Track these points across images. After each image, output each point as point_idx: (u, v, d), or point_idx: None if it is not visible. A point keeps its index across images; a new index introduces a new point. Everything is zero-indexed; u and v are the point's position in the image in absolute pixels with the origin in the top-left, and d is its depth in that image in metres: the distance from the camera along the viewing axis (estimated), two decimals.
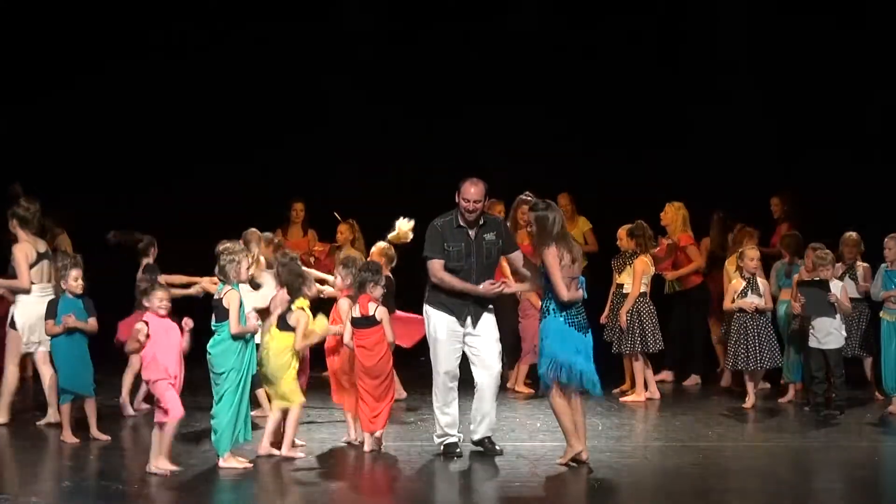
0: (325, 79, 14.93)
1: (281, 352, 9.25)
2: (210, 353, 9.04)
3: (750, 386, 11.56)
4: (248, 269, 9.27)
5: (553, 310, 8.85)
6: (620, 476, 8.88)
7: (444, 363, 9.30)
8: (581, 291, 8.91)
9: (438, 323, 9.30)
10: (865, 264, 11.81)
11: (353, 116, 14.88)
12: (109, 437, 9.90)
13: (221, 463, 8.86)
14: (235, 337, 8.87)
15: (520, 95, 14.78)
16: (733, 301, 11.63)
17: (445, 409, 9.34)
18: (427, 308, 9.39)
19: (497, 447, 9.38)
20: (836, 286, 11.29)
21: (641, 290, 11.92)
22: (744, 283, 11.62)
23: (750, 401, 11.51)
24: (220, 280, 9.26)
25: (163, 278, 10.77)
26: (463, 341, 9.32)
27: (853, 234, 11.88)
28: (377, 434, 9.45)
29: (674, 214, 12.69)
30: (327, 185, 14.25)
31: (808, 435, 10.48)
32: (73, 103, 14.80)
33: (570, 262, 8.83)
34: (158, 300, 8.80)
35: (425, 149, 14.74)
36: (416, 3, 14.91)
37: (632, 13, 14.67)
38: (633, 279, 11.91)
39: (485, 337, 9.32)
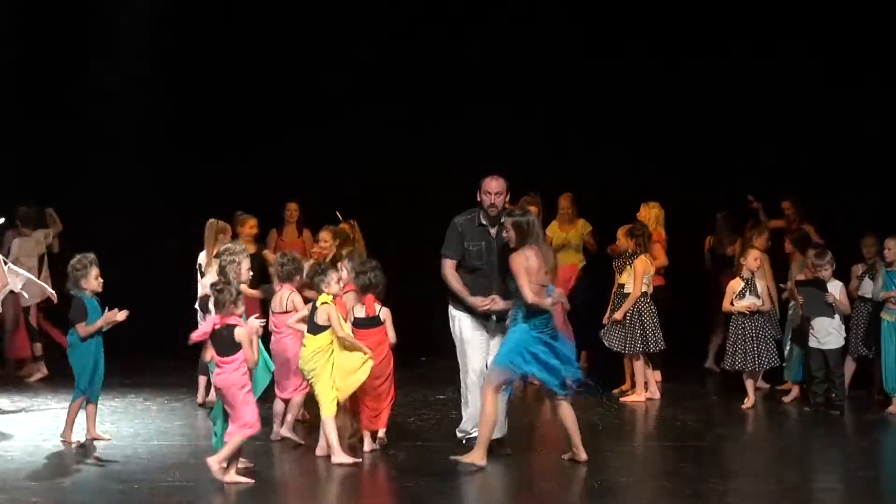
0: (326, 79, 14.93)
1: (315, 354, 9.19)
2: None
3: (749, 385, 11.57)
4: (248, 269, 9.26)
5: (521, 318, 8.82)
6: (620, 476, 8.88)
7: (472, 361, 9.29)
8: (549, 300, 8.83)
9: (463, 322, 9.30)
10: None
11: (353, 116, 14.88)
12: (110, 437, 9.90)
13: None
14: None
15: (520, 95, 14.78)
16: (732, 303, 11.64)
17: (471, 408, 9.33)
18: (451, 309, 9.38)
19: (506, 449, 9.36)
20: (834, 286, 11.29)
21: (642, 290, 11.92)
22: (742, 284, 11.63)
23: (749, 401, 11.51)
24: (221, 281, 9.26)
25: None
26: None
27: (873, 236, 11.87)
28: (380, 434, 9.46)
29: (647, 213, 12.76)
30: (327, 186, 14.24)
31: (808, 435, 10.49)
32: (75, 101, 14.81)
33: (540, 267, 8.79)
34: (242, 304, 8.70)
35: (425, 149, 14.73)
36: (415, 3, 14.90)
37: (631, 12, 14.67)
38: (634, 279, 11.91)
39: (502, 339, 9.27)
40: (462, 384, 9.41)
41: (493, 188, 9.20)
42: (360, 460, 9.13)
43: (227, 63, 14.84)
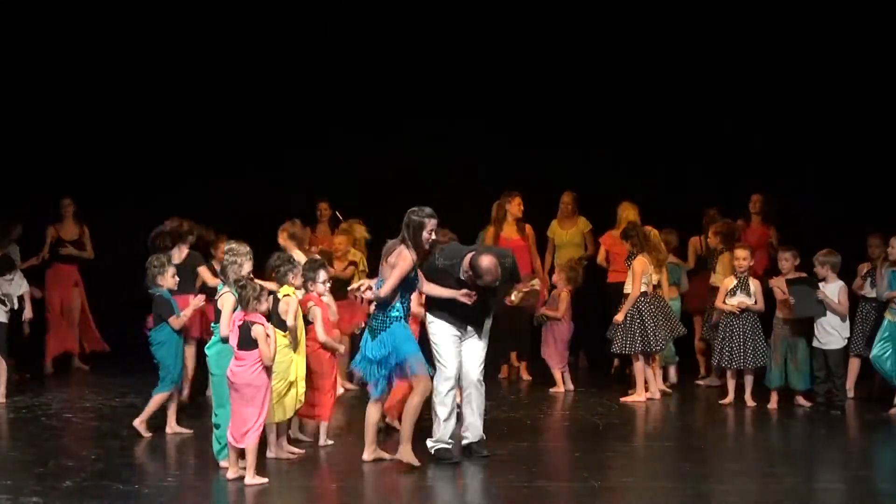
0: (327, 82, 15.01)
1: (280, 351, 9.08)
2: (207, 354, 9.10)
3: (730, 383, 11.60)
4: (249, 271, 9.25)
5: (399, 317, 8.90)
6: (620, 476, 8.89)
7: (445, 368, 9.21)
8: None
9: (439, 330, 9.23)
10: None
11: (357, 116, 14.93)
12: (192, 431, 10.10)
13: (223, 463, 8.86)
14: (225, 339, 8.85)
15: (521, 95, 14.80)
16: (724, 301, 11.66)
17: (445, 416, 9.27)
18: (428, 315, 9.33)
19: (484, 452, 9.31)
20: (836, 286, 11.28)
21: (642, 290, 11.92)
22: (735, 282, 11.62)
23: (728, 398, 11.58)
24: (221, 280, 9.27)
25: None
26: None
27: (879, 234, 11.86)
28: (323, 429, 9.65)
29: (624, 214, 12.89)
30: (336, 187, 14.30)
31: (809, 435, 10.49)
32: (125, 101, 14.88)
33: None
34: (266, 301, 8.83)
35: (426, 149, 14.75)
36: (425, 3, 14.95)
37: (628, 13, 14.71)
38: (633, 279, 11.91)
39: (475, 345, 9.28)
40: (434, 391, 9.29)
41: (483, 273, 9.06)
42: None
43: (246, 69, 14.97)
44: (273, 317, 9.07)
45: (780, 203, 13.36)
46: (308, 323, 9.39)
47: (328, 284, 9.60)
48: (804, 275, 11.34)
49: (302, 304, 9.35)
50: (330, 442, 9.67)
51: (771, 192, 13.38)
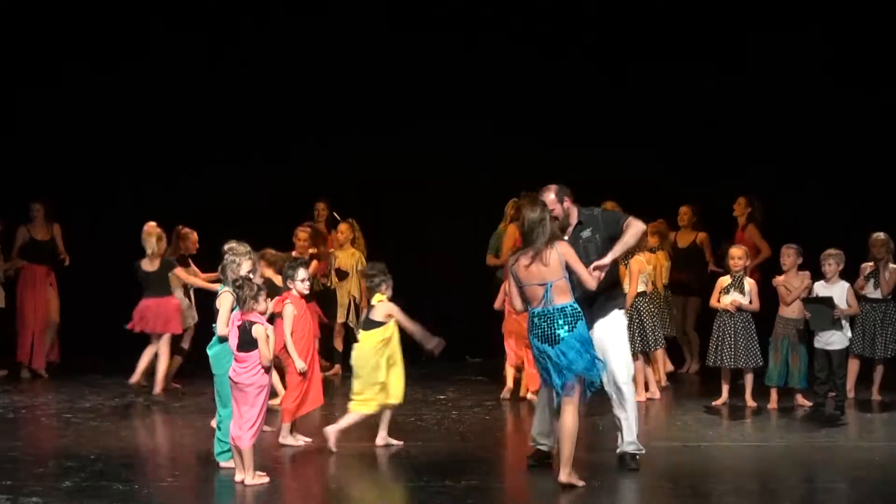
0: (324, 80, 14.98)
1: (372, 351, 9.39)
2: (209, 354, 9.09)
3: (725, 383, 11.61)
4: (249, 271, 9.25)
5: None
6: (620, 476, 8.88)
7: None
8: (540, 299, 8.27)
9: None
10: (894, 266, 11.78)
11: (358, 116, 14.92)
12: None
13: (223, 464, 8.86)
14: (223, 339, 8.85)
15: (522, 95, 14.80)
16: (719, 300, 11.66)
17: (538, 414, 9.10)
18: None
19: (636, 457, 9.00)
20: (842, 287, 11.26)
21: (640, 290, 11.91)
22: (729, 280, 11.62)
23: (721, 399, 11.58)
24: (221, 279, 9.28)
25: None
26: None
27: (881, 235, 11.83)
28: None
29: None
30: (336, 187, 14.29)
31: (809, 435, 10.49)
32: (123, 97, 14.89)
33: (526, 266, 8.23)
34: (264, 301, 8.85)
35: (426, 149, 14.75)
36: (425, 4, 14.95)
37: (628, 13, 14.72)
38: (630, 279, 11.90)
39: (609, 341, 8.86)
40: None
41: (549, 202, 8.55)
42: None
43: (246, 69, 14.96)
44: (365, 321, 9.57)
45: (761, 205, 13.39)
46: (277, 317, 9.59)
47: (307, 283, 9.79)
48: (825, 297, 11.20)
49: (279, 301, 9.61)
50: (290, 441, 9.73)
51: (749, 194, 13.43)
